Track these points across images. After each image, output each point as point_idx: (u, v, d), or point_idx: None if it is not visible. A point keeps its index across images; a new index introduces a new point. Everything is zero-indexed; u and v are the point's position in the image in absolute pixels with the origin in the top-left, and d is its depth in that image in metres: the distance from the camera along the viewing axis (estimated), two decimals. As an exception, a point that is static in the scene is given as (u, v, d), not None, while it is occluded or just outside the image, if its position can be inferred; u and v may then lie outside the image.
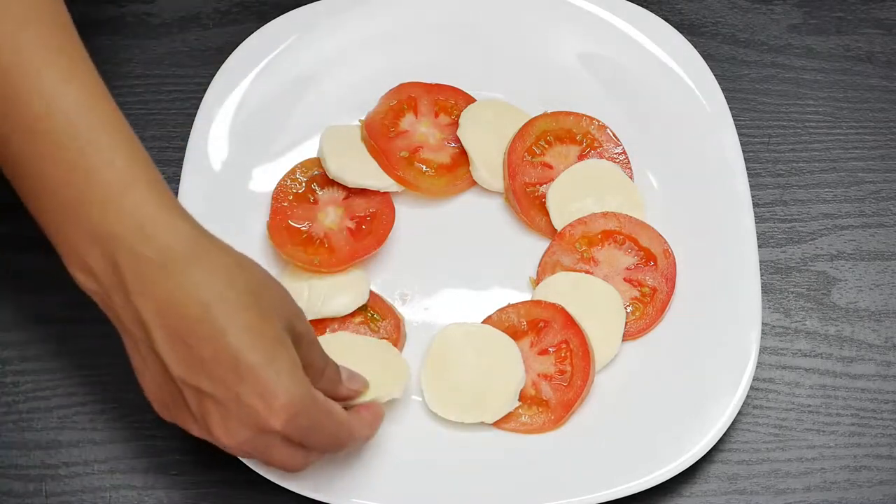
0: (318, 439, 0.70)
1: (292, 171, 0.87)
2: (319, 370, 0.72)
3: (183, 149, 0.86)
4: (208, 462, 0.81)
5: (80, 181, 0.67)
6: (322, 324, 0.83)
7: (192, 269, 0.67)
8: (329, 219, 0.86)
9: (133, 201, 0.67)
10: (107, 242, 0.67)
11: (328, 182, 0.87)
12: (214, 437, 0.69)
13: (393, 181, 0.86)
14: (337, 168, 0.86)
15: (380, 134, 0.87)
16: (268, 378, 0.67)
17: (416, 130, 0.88)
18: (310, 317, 0.82)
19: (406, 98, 0.89)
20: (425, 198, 0.87)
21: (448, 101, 0.89)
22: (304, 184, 0.87)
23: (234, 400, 0.67)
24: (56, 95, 0.67)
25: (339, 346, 0.79)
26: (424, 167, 0.87)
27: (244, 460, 0.77)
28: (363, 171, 0.86)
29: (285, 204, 0.86)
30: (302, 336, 0.71)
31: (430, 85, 0.90)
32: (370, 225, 0.85)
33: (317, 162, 0.87)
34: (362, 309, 0.83)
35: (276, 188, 0.86)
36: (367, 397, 0.76)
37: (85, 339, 0.84)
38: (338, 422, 0.71)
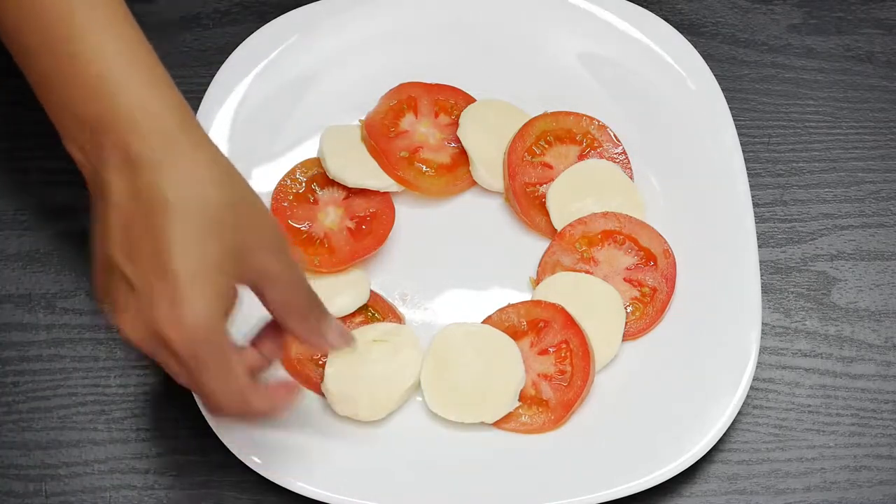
0: (204, 380, 0.69)
1: (292, 171, 0.87)
2: (300, 313, 0.72)
3: (183, 149, 0.86)
4: (208, 462, 0.81)
5: (70, 69, 0.69)
6: (322, 324, 0.83)
7: (169, 169, 0.68)
8: (329, 219, 0.86)
9: (119, 90, 0.68)
10: (95, 126, 0.68)
11: (328, 182, 0.87)
12: (118, 322, 0.69)
13: (393, 181, 0.86)
14: (337, 168, 0.86)
15: (380, 134, 0.87)
16: (184, 291, 0.67)
17: (416, 130, 0.88)
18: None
19: (406, 98, 0.89)
20: (425, 198, 0.87)
21: (448, 101, 0.89)
22: (304, 184, 0.87)
23: (147, 296, 0.67)
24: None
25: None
26: (424, 167, 0.87)
27: (245, 461, 0.77)
28: (363, 171, 0.86)
29: (285, 204, 0.86)
30: (271, 273, 0.70)
31: (430, 85, 0.90)
32: (370, 225, 0.85)
33: (317, 162, 0.87)
34: (363, 309, 0.83)
35: (276, 188, 0.86)
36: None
37: (85, 339, 0.84)
38: (233, 374, 0.70)
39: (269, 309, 0.72)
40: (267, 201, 0.86)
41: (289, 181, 0.86)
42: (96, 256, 0.70)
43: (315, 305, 0.73)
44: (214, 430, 0.78)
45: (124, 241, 0.68)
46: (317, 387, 0.81)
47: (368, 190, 0.86)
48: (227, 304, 0.69)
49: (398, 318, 0.83)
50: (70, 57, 0.69)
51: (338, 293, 0.83)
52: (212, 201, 0.68)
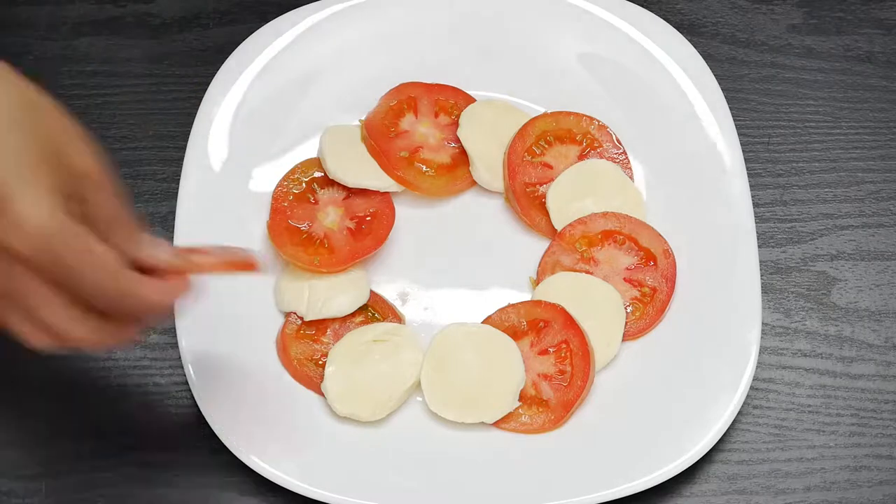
0: (81, 280, 0.62)
1: (292, 172, 0.87)
2: (104, 221, 0.65)
3: (183, 149, 0.86)
4: (208, 462, 0.81)
5: None
6: (323, 324, 0.83)
7: None
8: (329, 219, 0.86)
9: None
10: None
11: (328, 182, 0.87)
12: None
13: (393, 181, 0.86)
14: (337, 168, 0.86)
15: (380, 134, 0.87)
16: (16, 196, 0.61)
17: (415, 130, 0.88)
18: (310, 317, 0.82)
19: (406, 98, 0.89)
20: (425, 198, 0.87)
21: (448, 101, 0.89)
22: (304, 184, 0.87)
23: None
24: None
25: None
26: (424, 167, 0.87)
27: (245, 461, 0.77)
28: (363, 171, 0.86)
29: (285, 204, 0.86)
30: (89, 173, 0.64)
31: (430, 85, 0.90)
32: (370, 225, 0.85)
33: (317, 162, 0.87)
34: (363, 309, 0.83)
35: (276, 188, 0.86)
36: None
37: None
38: (103, 261, 0.63)
39: (90, 220, 0.64)
40: (267, 201, 0.86)
41: (289, 181, 0.86)
42: None
43: (124, 213, 0.66)
44: (214, 429, 0.78)
45: None
46: (317, 387, 0.81)
47: (368, 190, 0.86)
48: (58, 194, 0.62)
49: (398, 318, 0.83)
50: None
51: (338, 293, 0.83)
52: (11, 99, 0.63)
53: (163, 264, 0.67)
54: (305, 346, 0.82)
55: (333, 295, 0.83)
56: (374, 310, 0.84)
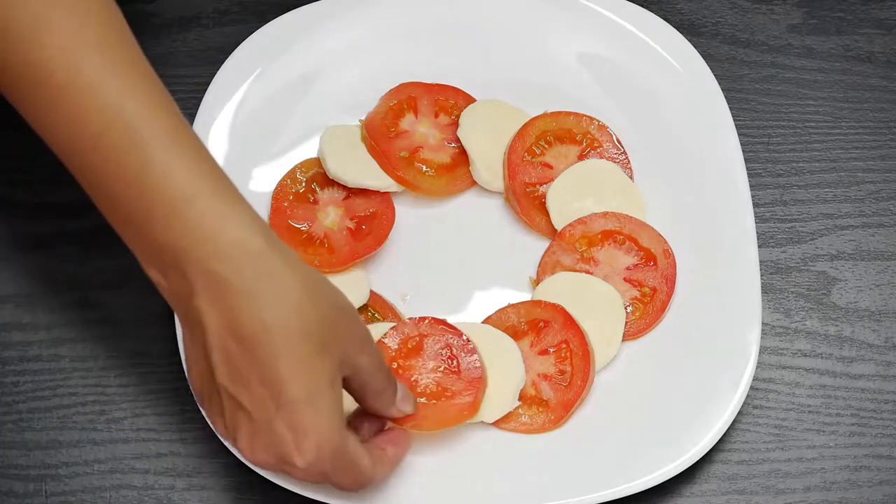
0: (336, 482, 0.71)
1: (292, 171, 0.87)
2: (376, 392, 0.74)
3: (183, 149, 0.86)
4: (208, 462, 0.81)
5: (142, 196, 0.66)
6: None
7: (259, 290, 0.66)
8: (329, 219, 0.86)
9: (197, 214, 0.65)
10: (175, 254, 0.66)
11: (328, 182, 0.87)
12: (239, 448, 0.70)
13: (393, 181, 0.86)
14: (337, 168, 0.86)
15: (380, 134, 0.87)
16: (305, 416, 0.67)
17: (415, 130, 0.88)
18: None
19: (406, 98, 0.89)
20: (425, 198, 0.87)
21: (448, 101, 0.89)
22: (304, 184, 0.87)
23: (267, 424, 0.67)
24: (115, 111, 0.65)
25: None
26: (424, 167, 0.87)
27: (245, 461, 0.77)
28: (363, 171, 0.86)
29: (285, 204, 0.86)
30: (361, 368, 0.71)
31: (430, 85, 0.90)
32: (370, 225, 0.85)
33: (317, 162, 0.87)
34: (363, 309, 0.83)
35: (276, 188, 0.86)
36: None
37: (85, 339, 0.84)
38: (360, 472, 0.71)
39: (349, 390, 0.73)
40: (267, 201, 0.86)
41: (289, 181, 0.86)
42: (192, 378, 0.70)
43: (390, 382, 0.74)
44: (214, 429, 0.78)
45: (229, 369, 0.67)
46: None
47: (368, 190, 0.86)
48: (341, 411, 0.69)
49: (398, 319, 0.83)
50: (140, 184, 0.65)
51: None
52: (311, 320, 0.67)
53: (402, 417, 0.76)
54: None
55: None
56: (374, 310, 0.84)
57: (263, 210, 0.85)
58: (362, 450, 0.71)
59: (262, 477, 0.77)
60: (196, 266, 0.66)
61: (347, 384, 0.72)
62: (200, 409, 0.72)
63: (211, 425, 0.72)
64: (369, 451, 0.72)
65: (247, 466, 0.78)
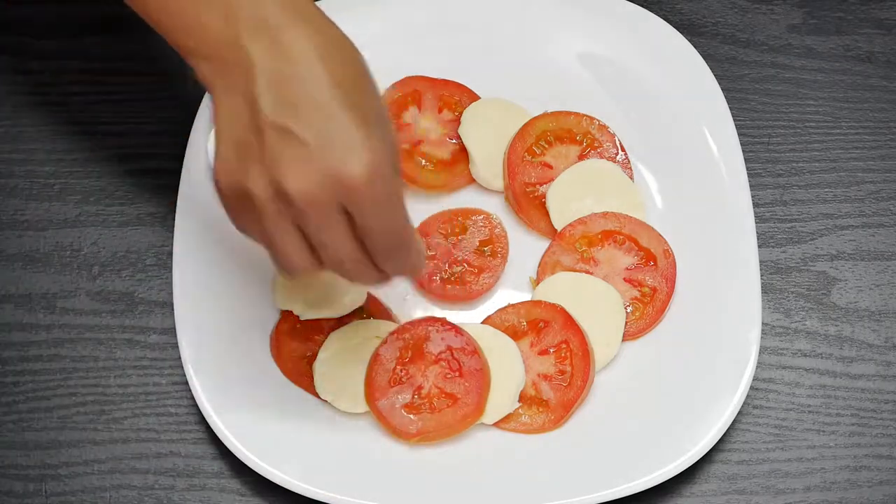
0: (380, 221, 0.68)
1: (293, 170, 0.87)
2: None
3: (183, 147, 0.86)
4: (208, 462, 0.81)
5: None
6: (319, 324, 0.82)
7: (306, 25, 0.68)
8: (329, 218, 0.85)
9: None
10: (229, 14, 0.68)
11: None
12: (281, 175, 0.67)
13: (393, 178, 0.86)
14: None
15: (381, 128, 0.87)
16: (362, 134, 0.66)
17: (418, 124, 0.88)
18: (307, 317, 0.82)
19: (411, 91, 0.89)
20: (425, 194, 0.87)
21: (452, 98, 0.89)
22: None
23: (321, 146, 0.66)
24: None
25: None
26: (424, 161, 0.87)
27: (245, 461, 0.77)
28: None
29: (285, 203, 0.86)
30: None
31: (436, 80, 0.89)
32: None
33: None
34: (358, 311, 0.83)
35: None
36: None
37: (85, 339, 0.84)
38: (404, 212, 0.69)
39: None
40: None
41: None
42: (225, 135, 0.68)
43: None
44: (214, 429, 0.78)
45: (281, 99, 0.67)
46: (308, 385, 0.81)
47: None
48: (390, 143, 0.69)
49: (396, 320, 0.83)
50: None
51: (336, 293, 0.83)
52: (353, 53, 0.69)
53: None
54: (299, 344, 0.82)
55: (332, 295, 0.83)
56: (370, 313, 0.83)
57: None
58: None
59: (263, 477, 0.77)
60: (246, 12, 0.67)
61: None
62: (226, 181, 0.69)
63: (239, 187, 0.68)
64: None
65: (247, 467, 0.78)
